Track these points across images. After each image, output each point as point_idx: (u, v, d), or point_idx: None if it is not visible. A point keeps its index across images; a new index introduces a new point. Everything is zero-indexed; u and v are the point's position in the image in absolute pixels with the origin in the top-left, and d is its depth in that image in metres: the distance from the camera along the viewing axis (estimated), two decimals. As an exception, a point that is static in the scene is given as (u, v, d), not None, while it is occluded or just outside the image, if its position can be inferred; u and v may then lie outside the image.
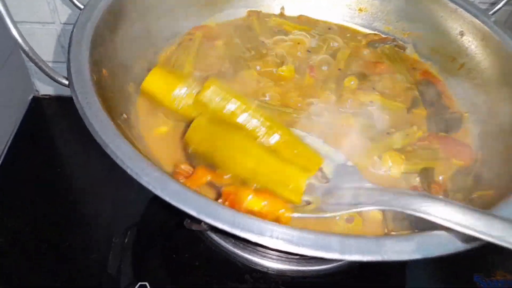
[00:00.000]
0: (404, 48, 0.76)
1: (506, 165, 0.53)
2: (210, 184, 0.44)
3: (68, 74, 0.45)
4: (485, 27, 0.66)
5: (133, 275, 0.62)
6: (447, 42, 0.72)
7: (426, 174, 0.55)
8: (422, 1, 0.74)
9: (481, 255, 0.67)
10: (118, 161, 0.38)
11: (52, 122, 0.96)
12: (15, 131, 0.89)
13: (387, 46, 0.76)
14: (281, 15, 0.81)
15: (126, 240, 0.66)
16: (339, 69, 0.70)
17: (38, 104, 0.97)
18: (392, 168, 0.55)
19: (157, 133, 0.54)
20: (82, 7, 0.55)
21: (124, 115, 0.52)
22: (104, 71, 0.52)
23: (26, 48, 0.43)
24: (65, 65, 0.47)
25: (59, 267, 0.62)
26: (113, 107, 0.50)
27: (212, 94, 0.47)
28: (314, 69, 0.68)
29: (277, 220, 0.40)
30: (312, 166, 0.46)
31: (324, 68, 0.69)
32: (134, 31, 0.61)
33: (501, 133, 0.59)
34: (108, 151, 0.39)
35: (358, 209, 0.42)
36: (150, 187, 0.37)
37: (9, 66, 0.90)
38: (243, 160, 0.43)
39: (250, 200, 0.40)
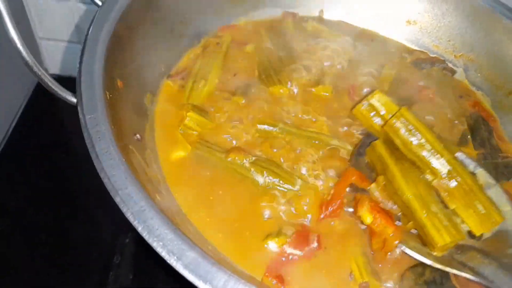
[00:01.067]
0: (453, 72, 0.68)
1: None
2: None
3: (77, 91, 0.38)
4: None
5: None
6: (504, 72, 0.63)
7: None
8: (481, 20, 0.65)
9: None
10: (127, 215, 0.32)
11: (58, 102, 0.91)
12: (20, 111, 0.84)
13: (435, 68, 0.68)
14: (320, 19, 0.73)
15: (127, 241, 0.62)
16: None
17: (43, 88, 0.91)
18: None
19: (174, 158, 0.48)
20: (100, 3, 0.47)
21: (138, 136, 0.46)
22: (119, 82, 0.45)
23: (30, 61, 0.35)
24: (79, 47, 0.41)
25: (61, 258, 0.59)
26: (126, 128, 0.44)
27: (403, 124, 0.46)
28: (355, 90, 0.60)
29: (384, 241, 0.41)
30: (486, 225, 0.43)
31: (365, 90, 0.61)
32: (156, 32, 0.54)
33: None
34: (117, 200, 0.32)
35: (472, 277, 0.39)
36: (163, 254, 0.31)
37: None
38: (405, 192, 0.43)
39: (365, 210, 0.41)
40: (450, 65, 0.69)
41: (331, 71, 0.63)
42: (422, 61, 0.69)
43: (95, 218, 0.65)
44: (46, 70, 0.94)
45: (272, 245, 0.41)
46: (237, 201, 0.45)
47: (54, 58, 0.93)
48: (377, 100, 0.49)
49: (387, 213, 0.42)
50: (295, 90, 0.57)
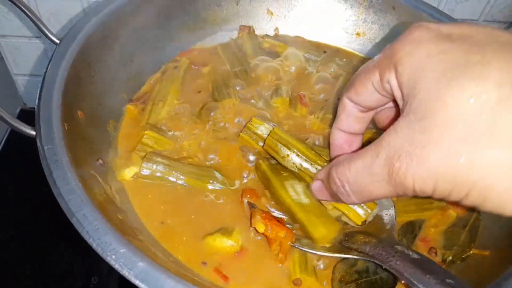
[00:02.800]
0: (403, 76, 0.73)
1: (504, 221, 0.50)
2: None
3: (36, 125, 0.42)
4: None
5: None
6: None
7: (410, 228, 0.52)
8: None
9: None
10: (83, 234, 0.35)
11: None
12: (2, 144, 0.87)
13: (385, 73, 0.72)
14: (276, 36, 0.77)
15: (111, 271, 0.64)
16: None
17: (26, 117, 0.95)
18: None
19: (132, 175, 0.51)
20: (58, 41, 0.51)
21: (100, 161, 0.49)
22: (79, 113, 0.49)
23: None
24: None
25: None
26: (87, 154, 0.47)
27: (277, 141, 0.52)
28: (305, 98, 0.65)
29: (280, 244, 0.45)
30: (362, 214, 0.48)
31: (322, 96, 0.66)
32: (115, 63, 0.58)
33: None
34: (73, 221, 0.36)
35: (357, 257, 0.45)
36: (116, 266, 0.34)
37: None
38: (285, 199, 0.49)
39: (257, 221, 0.46)
40: (399, 70, 0.73)
41: (285, 81, 0.67)
42: (373, 68, 0.73)
43: (76, 244, 0.68)
44: (25, 104, 0.98)
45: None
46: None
47: (30, 92, 0.97)
48: (254, 125, 0.55)
49: (277, 220, 0.47)
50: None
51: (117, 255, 0.34)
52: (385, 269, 0.43)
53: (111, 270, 0.62)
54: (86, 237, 0.35)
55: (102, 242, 0.35)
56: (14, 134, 0.87)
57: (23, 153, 0.85)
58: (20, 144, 0.84)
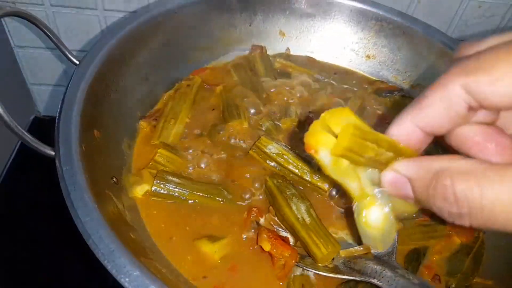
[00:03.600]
0: (412, 99, 0.74)
1: (506, 250, 0.51)
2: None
3: (55, 145, 0.44)
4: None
5: None
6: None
7: (416, 255, 0.53)
8: (431, 53, 0.71)
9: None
10: (99, 256, 0.37)
11: (53, 141, 0.96)
12: (15, 150, 0.89)
13: (396, 96, 0.73)
14: (287, 55, 0.79)
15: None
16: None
17: (39, 124, 0.97)
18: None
19: (143, 192, 0.53)
20: (77, 62, 0.53)
21: (115, 179, 0.51)
22: (96, 132, 0.51)
23: (11, 124, 0.41)
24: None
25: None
26: (103, 173, 0.49)
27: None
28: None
29: (284, 263, 0.47)
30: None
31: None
32: (131, 82, 0.60)
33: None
34: (89, 243, 0.37)
35: (358, 278, 0.46)
36: (129, 288, 0.35)
37: (10, 87, 0.89)
38: (290, 217, 0.51)
39: (263, 239, 0.47)
40: (407, 94, 0.74)
41: (295, 103, 0.69)
42: (383, 90, 0.75)
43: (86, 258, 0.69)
44: (39, 112, 1.00)
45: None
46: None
47: (45, 101, 0.99)
48: (263, 144, 0.57)
49: (283, 239, 0.48)
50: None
51: (131, 278, 0.36)
52: None
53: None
54: (101, 258, 0.36)
55: (116, 265, 0.36)
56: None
57: (35, 164, 0.87)
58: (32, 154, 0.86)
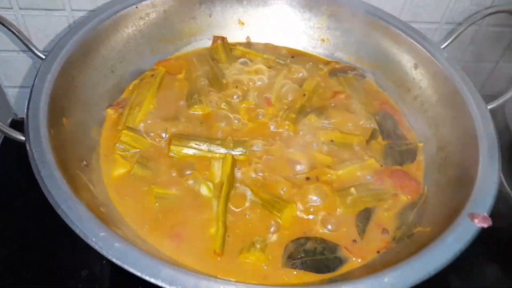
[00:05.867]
0: (364, 77, 0.79)
1: (445, 201, 0.56)
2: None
3: (25, 131, 0.48)
4: (437, 63, 0.69)
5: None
6: (402, 74, 0.75)
7: (366, 214, 0.58)
8: (378, 33, 0.76)
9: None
10: (68, 222, 0.41)
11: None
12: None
13: (349, 75, 0.79)
14: (248, 43, 0.84)
15: (102, 268, 0.69)
16: (304, 94, 0.73)
17: (16, 127, 0.99)
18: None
19: (116, 175, 0.57)
20: (43, 57, 0.57)
21: (84, 162, 0.55)
22: (65, 120, 0.55)
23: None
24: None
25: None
26: (72, 156, 0.53)
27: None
28: (271, 100, 0.71)
29: None
30: None
31: (288, 97, 0.72)
32: (97, 74, 0.64)
33: (445, 168, 0.62)
34: (59, 212, 0.42)
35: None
36: (96, 247, 0.40)
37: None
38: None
39: None
40: (361, 71, 0.80)
41: (254, 86, 0.74)
42: (337, 70, 0.80)
43: (72, 248, 0.73)
44: (15, 115, 1.02)
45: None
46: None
47: (20, 103, 1.02)
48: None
49: None
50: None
51: (97, 238, 0.40)
52: None
53: (101, 264, 0.68)
54: (70, 224, 0.41)
55: (84, 228, 0.41)
56: (6, 145, 0.92)
57: (15, 161, 0.90)
58: (12, 153, 0.89)
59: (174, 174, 0.60)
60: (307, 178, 0.62)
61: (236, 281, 0.41)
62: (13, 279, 0.66)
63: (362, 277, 0.43)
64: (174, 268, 0.40)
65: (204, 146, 0.62)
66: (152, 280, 0.38)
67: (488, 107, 0.62)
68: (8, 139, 0.92)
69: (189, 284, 0.39)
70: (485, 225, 0.48)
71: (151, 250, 0.47)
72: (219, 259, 0.52)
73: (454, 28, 0.84)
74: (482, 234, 0.48)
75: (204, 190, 0.58)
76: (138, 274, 0.39)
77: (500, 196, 0.75)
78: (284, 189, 0.59)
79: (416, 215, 0.58)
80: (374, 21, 0.76)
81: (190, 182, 0.59)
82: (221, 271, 0.50)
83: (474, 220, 0.48)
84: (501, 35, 0.91)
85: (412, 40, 0.73)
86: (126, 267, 0.39)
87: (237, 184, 0.59)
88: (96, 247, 0.40)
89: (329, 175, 0.62)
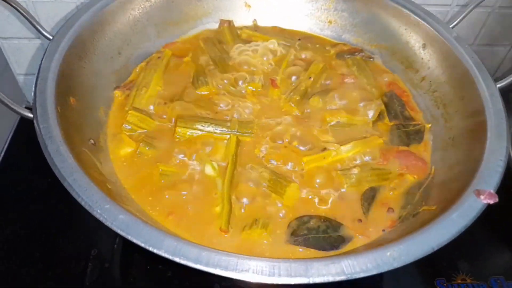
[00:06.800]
0: (372, 58, 0.79)
1: (452, 181, 0.56)
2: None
3: (33, 108, 0.49)
4: (446, 42, 0.68)
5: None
6: (410, 54, 0.74)
7: (371, 193, 0.58)
8: (386, 14, 0.75)
9: (441, 259, 0.71)
10: (73, 194, 0.42)
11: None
12: (8, 141, 0.94)
13: (357, 57, 0.78)
14: (255, 26, 0.84)
15: (115, 246, 0.70)
16: (310, 77, 0.73)
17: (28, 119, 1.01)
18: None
19: (123, 154, 0.58)
20: (51, 37, 0.58)
21: (92, 141, 0.56)
22: (72, 99, 0.56)
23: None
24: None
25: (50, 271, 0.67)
26: (79, 134, 0.54)
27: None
28: (277, 81, 0.71)
29: None
30: None
31: (294, 78, 0.72)
32: (104, 55, 0.65)
33: (453, 148, 0.61)
34: (65, 185, 0.42)
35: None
36: (101, 219, 0.41)
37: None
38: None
39: None
40: (368, 53, 0.79)
41: (261, 68, 0.74)
42: (344, 52, 0.79)
43: (82, 230, 0.74)
44: (28, 103, 1.04)
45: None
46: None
47: (33, 90, 1.04)
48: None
49: None
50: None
51: (102, 210, 0.41)
52: None
53: (110, 244, 0.70)
54: (76, 196, 0.42)
55: (90, 200, 0.42)
56: (21, 128, 0.94)
57: (30, 146, 0.92)
58: (25, 142, 0.91)
59: (179, 155, 0.60)
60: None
61: (238, 254, 0.41)
62: (23, 259, 0.68)
63: (365, 251, 0.43)
64: (176, 239, 0.40)
65: (209, 128, 0.62)
66: (155, 251, 0.39)
67: (498, 86, 0.61)
68: (20, 127, 0.96)
69: (191, 255, 0.39)
70: (491, 201, 0.47)
71: (156, 225, 0.48)
72: (226, 235, 0.52)
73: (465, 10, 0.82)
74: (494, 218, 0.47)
75: (208, 170, 0.59)
76: (142, 244, 0.39)
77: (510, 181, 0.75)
78: (288, 167, 0.59)
79: (422, 194, 0.58)
80: (382, 1, 0.75)
81: (195, 162, 0.59)
82: (224, 247, 0.50)
83: (480, 196, 0.48)
84: (516, 17, 0.89)
85: (420, 20, 0.71)
86: (129, 237, 0.40)
87: (242, 165, 0.60)
88: (101, 219, 0.41)
89: (333, 153, 0.62)
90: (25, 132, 0.94)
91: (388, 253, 0.42)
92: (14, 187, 0.81)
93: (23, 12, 0.58)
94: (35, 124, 0.48)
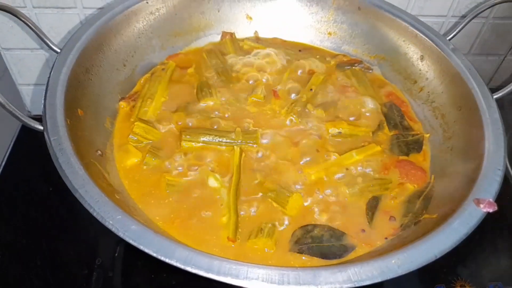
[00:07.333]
0: (371, 69, 0.80)
1: (451, 190, 0.57)
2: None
3: (43, 121, 0.50)
4: (443, 54, 0.70)
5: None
6: (409, 65, 0.76)
7: (374, 202, 0.59)
8: (385, 26, 0.77)
9: (441, 265, 0.72)
10: (86, 205, 0.43)
11: (44, 141, 1.01)
12: (8, 151, 0.94)
13: (356, 68, 0.80)
14: (256, 38, 0.85)
15: (116, 255, 0.71)
16: (311, 89, 0.74)
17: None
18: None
19: (129, 164, 0.59)
20: (59, 50, 0.59)
21: (99, 152, 0.57)
22: (79, 111, 0.57)
23: (2, 101, 0.47)
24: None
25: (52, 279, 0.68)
26: (87, 145, 0.55)
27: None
28: (278, 92, 0.73)
29: None
30: None
31: (293, 90, 0.74)
32: (110, 67, 0.66)
33: (452, 157, 0.63)
34: (77, 196, 0.43)
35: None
36: (113, 229, 0.41)
37: (0, 89, 0.95)
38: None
39: None
40: (367, 64, 0.81)
41: (262, 79, 0.75)
42: (344, 63, 0.81)
43: (81, 237, 0.75)
44: (29, 112, 1.05)
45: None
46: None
47: (34, 101, 1.04)
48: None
49: None
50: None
51: (114, 221, 0.42)
52: None
53: (114, 253, 0.70)
54: (88, 208, 0.43)
55: (101, 211, 0.42)
56: (22, 137, 0.94)
57: (31, 155, 0.92)
58: (26, 151, 0.92)
59: (184, 166, 0.61)
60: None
61: (247, 262, 0.42)
62: (25, 268, 0.68)
63: (370, 259, 0.44)
64: (188, 248, 0.41)
65: (213, 139, 0.63)
66: (167, 260, 0.40)
67: (495, 97, 0.63)
68: (21, 136, 0.96)
69: (203, 264, 0.40)
70: (491, 210, 0.49)
71: (165, 235, 0.49)
72: (233, 245, 0.53)
73: (461, 22, 0.85)
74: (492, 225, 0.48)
75: (212, 182, 0.59)
76: (154, 254, 0.40)
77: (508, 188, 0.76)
78: (291, 180, 0.61)
79: (422, 202, 0.59)
80: (381, 14, 0.77)
81: (198, 174, 0.60)
82: (230, 256, 0.51)
83: (480, 205, 0.49)
84: (509, 28, 0.92)
85: (418, 32, 0.73)
86: (141, 247, 0.40)
87: (246, 176, 0.61)
88: (113, 229, 0.41)
89: (335, 163, 0.63)
90: (26, 140, 0.95)
91: (393, 261, 0.43)
92: (15, 195, 0.82)
93: (32, 27, 0.59)
94: (46, 137, 0.49)
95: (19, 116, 0.50)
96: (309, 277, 0.40)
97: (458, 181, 0.58)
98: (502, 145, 0.56)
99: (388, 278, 0.42)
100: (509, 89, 0.63)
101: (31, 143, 0.95)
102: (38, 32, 0.60)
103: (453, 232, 0.47)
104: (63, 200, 0.82)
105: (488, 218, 0.49)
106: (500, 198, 0.51)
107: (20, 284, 0.67)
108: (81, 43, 0.61)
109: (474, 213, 0.48)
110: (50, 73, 0.56)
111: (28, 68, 0.98)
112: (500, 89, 0.64)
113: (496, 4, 0.73)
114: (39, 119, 0.51)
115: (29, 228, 0.75)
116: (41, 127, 0.50)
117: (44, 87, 0.54)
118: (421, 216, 0.56)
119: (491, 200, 0.50)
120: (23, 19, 0.58)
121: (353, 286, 0.41)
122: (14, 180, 0.85)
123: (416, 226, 0.55)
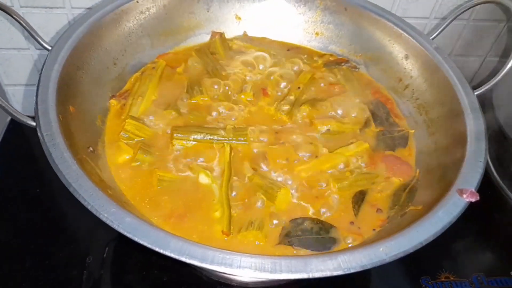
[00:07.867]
0: (357, 68, 0.83)
1: (435, 182, 0.59)
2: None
3: (35, 117, 0.50)
4: (427, 52, 0.72)
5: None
6: (394, 64, 0.78)
7: (361, 196, 0.61)
8: (370, 26, 0.80)
9: (426, 258, 0.74)
10: (80, 199, 0.43)
11: (30, 142, 1.00)
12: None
13: (343, 67, 0.82)
14: (245, 38, 0.86)
15: (105, 255, 0.71)
16: (299, 87, 0.76)
17: (16, 125, 1.01)
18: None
19: (121, 161, 0.60)
20: (50, 48, 0.59)
21: (91, 148, 0.58)
22: (71, 108, 0.57)
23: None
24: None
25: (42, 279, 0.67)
26: (79, 142, 0.55)
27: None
28: (268, 90, 0.74)
29: None
30: None
31: (282, 87, 0.75)
32: (101, 66, 0.66)
33: (436, 151, 0.65)
34: (71, 190, 0.44)
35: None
36: (108, 222, 0.42)
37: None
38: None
39: None
40: (354, 63, 0.83)
41: (252, 78, 0.76)
42: (331, 62, 0.83)
43: (73, 236, 0.75)
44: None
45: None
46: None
47: (20, 102, 1.03)
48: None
49: None
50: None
51: (109, 214, 0.42)
52: None
53: (105, 251, 0.70)
54: (82, 201, 0.43)
55: (96, 205, 0.43)
56: (9, 137, 0.93)
57: (18, 156, 0.92)
58: (14, 150, 0.91)
59: (175, 163, 0.62)
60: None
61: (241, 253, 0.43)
62: (18, 267, 0.68)
63: (359, 247, 0.45)
64: (182, 239, 0.42)
65: (204, 137, 0.64)
66: (162, 251, 0.41)
67: (475, 93, 0.66)
68: (9, 131, 0.95)
69: (197, 254, 0.41)
70: (473, 199, 0.51)
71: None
72: (226, 239, 0.54)
73: (443, 23, 0.88)
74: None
75: (203, 179, 0.60)
76: (149, 246, 0.41)
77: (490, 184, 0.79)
78: (280, 175, 0.62)
79: (408, 195, 0.61)
80: (366, 14, 0.79)
81: (188, 172, 0.61)
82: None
83: (463, 195, 0.51)
84: (489, 29, 0.95)
85: (402, 32, 0.76)
86: (136, 239, 0.41)
87: (236, 171, 0.62)
88: (108, 222, 0.42)
89: (324, 159, 0.64)
90: (13, 140, 0.94)
91: (381, 249, 0.45)
92: (3, 195, 0.81)
93: (24, 24, 0.59)
94: (39, 132, 0.49)
95: (11, 111, 0.50)
96: (300, 265, 0.42)
97: (442, 173, 0.60)
98: (483, 138, 0.58)
99: (377, 265, 0.43)
100: (489, 85, 0.66)
101: (17, 143, 0.95)
102: (29, 30, 0.60)
103: (437, 221, 0.48)
104: (52, 199, 0.82)
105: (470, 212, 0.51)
106: (482, 192, 0.53)
107: (10, 284, 0.66)
108: (72, 40, 0.61)
109: (458, 203, 0.51)
110: (41, 70, 0.56)
111: (15, 69, 0.97)
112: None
113: (475, 5, 0.76)
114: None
115: (18, 228, 0.75)
116: (33, 123, 0.50)
117: (32, 87, 0.54)
118: (407, 208, 0.58)
119: (473, 190, 0.52)
120: (14, 17, 0.58)
121: (343, 273, 0.42)
122: (1, 180, 0.84)
123: (402, 218, 0.57)
